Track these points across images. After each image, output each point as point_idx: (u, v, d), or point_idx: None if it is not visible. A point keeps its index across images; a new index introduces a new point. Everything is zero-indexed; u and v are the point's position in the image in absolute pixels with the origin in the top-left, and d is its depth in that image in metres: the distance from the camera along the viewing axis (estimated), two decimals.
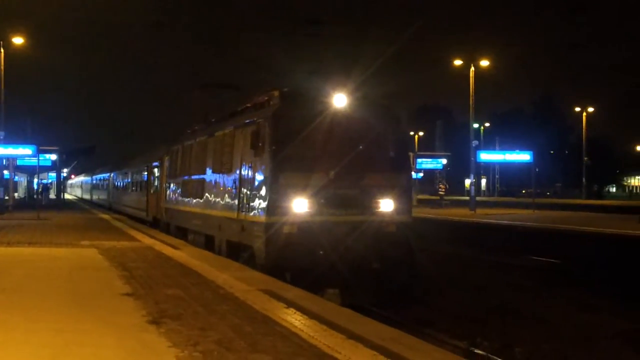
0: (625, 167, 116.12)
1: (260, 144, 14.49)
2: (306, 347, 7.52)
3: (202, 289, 11.51)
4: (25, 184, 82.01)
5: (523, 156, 54.60)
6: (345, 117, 14.78)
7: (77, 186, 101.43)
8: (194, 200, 20.78)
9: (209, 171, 19.20)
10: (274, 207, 13.92)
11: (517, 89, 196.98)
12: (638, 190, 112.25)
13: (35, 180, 66.89)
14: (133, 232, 25.05)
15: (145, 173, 33.25)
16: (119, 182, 46.43)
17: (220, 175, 17.78)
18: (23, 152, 40.85)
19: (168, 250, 18.04)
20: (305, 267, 13.35)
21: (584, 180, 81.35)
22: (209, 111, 23.61)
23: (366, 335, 8.03)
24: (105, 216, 37.86)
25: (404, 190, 15.11)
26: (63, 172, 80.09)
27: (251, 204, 14.84)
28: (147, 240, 21.30)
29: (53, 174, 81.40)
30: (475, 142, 52.39)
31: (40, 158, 43.60)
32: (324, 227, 13.92)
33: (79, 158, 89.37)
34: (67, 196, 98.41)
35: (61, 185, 74.44)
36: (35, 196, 56.74)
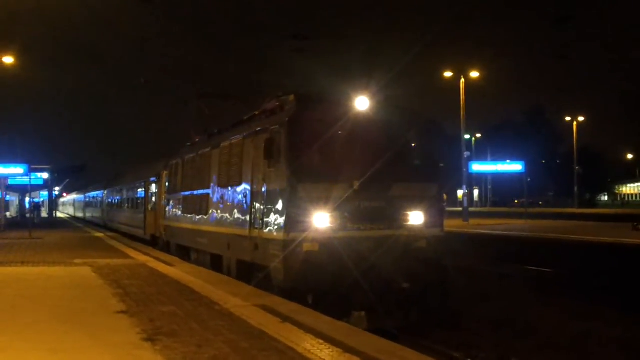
0: (617, 176, 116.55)
1: (275, 153, 13.19)
2: None
3: (197, 305, 11.48)
4: (17, 203, 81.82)
5: (515, 166, 54.80)
6: (369, 122, 13.55)
7: (69, 204, 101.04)
8: (198, 217, 19.57)
9: (214, 185, 18.00)
10: (293, 222, 12.67)
11: (508, 99, 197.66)
12: (630, 199, 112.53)
13: (27, 199, 66.76)
14: (127, 250, 24.94)
15: (142, 189, 32.15)
16: (114, 199, 45.26)
17: (228, 189, 16.54)
18: (14, 171, 40.64)
19: (162, 267, 17.98)
20: (328, 288, 12.26)
21: (575, 189, 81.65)
22: (208, 122, 22.69)
23: (362, 349, 8.03)
24: (100, 234, 37.52)
25: (435, 202, 13.93)
26: (55, 191, 79.95)
27: (266, 219, 13.60)
28: (141, 258, 21.22)
29: (45, 193, 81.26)
30: (467, 153, 52.55)
31: (31, 177, 43.45)
32: (347, 244, 12.68)
33: (70, 176, 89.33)
34: (59, 214, 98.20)
35: (53, 204, 74.24)
36: (27, 215, 56.52)
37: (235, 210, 15.71)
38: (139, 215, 32.73)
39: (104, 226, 48.32)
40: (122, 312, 10.82)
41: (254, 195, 14.35)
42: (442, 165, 14.62)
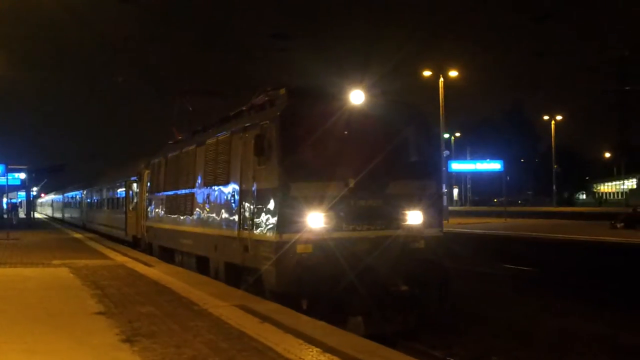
0: (595, 174, 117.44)
1: (265, 150, 12.56)
2: None
3: (176, 305, 11.41)
4: None
5: (494, 165, 55.12)
6: (365, 116, 12.92)
7: (47, 205, 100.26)
8: (182, 218, 18.76)
9: (199, 184, 17.19)
10: (285, 222, 12.00)
11: (487, 98, 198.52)
12: (607, 197, 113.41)
13: (5, 200, 66.18)
14: (105, 251, 24.80)
15: (123, 189, 31.10)
16: (94, 199, 44.19)
17: (215, 188, 15.73)
18: None
19: (141, 268, 17.89)
20: (323, 292, 11.60)
21: (554, 187, 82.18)
22: (191, 120, 22.18)
23: (342, 348, 8.00)
24: (78, 235, 37.18)
25: (433, 200, 13.24)
26: (32, 191, 79.35)
27: (256, 220, 12.88)
28: (119, 258, 21.10)
29: (22, 193, 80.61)
30: (446, 152, 52.76)
31: (8, 177, 43.02)
32: (343, 245, 12.08)
33: (48, 176, 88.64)
34: (37, 215, 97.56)
35: (31, 204, 73.68)
36: (4, 216, 56.05)
37: (223, 210, 15.02)
38: (119, 216, 31.88)
39: (83, 227, 47.45)
40: (100, 313, 10.74)
41: (243, 194, 13.67)
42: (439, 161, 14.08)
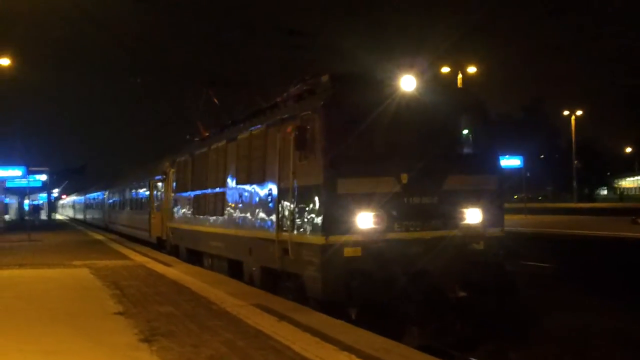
0: (616, 170, 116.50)
1: (308, 143, 11.45)
2: None
3: (195, 305, 11.48)
4: (16, 205, 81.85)
5: (513, 161, 54.65)
6: (417, 104, 11.70)
7: (69, 206, 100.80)
8: (212, 218, 17.61)
9: (231, 182, 16.06)
10: (332, 223, 10.91)
11: (506, 94, 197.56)
12: (628, 193, 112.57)
13: (26, 202, 66.74)
14: (126, 251, 24.96)
15: (147, 189, 30.39)
16: (116, 200, 43.48)
17: (248, 186, 14.62)
18: (12, 173, 40.58)
19: (160, 268, 17.99)
20: (374, 300, 10.61)
21: (574, 183, 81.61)
22: (218, 115, 21.21)
23: (359, 346, 8.02)
24: (100, 237, 37.40)
25: (494, 196, 12.04)
26: (54, 193, 79.99)
27: (297, 220, 11.80)
28: (139, 259, 21.23)
29: (44, 195, 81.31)
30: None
31: (30, 179, 43.39)
32: (395, 248, 11.02)
33: (69, 178, 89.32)
34: (58, 217, 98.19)
35: (52, 206, 74.25)
36: (26, 217, 56.51)
37: (258, 210, 13.90)
38: (143, 217, 31.10)
39: (105, 228, 47.18)
40: (120, 313, 10.83)
41: (282, 192, 12.57)
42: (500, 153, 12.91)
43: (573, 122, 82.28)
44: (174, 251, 22.88)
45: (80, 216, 76.14)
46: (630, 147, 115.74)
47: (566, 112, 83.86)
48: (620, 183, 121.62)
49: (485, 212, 11.81)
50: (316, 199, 11.23)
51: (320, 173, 11.19)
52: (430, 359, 7.84)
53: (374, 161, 11.37)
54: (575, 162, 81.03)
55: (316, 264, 11.07)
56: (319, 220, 11.09)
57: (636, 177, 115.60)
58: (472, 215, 11.73)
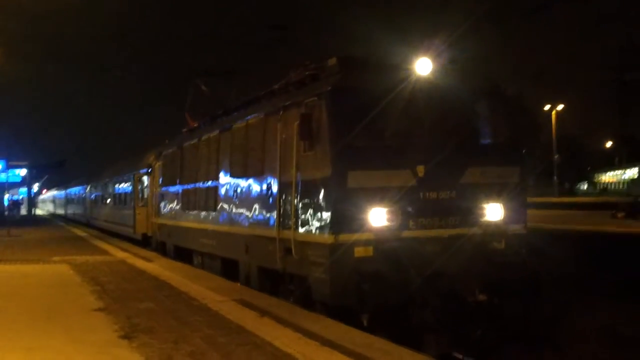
0: (596, 164, 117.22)
1: (314, 132, 10.52)
2: (280, 356, 7.48)
3: (175, 301, 11.42)
4: None
5: None
6: (435, 90, 10.79)
7: (49, 201, 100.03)
8: (203, 214, 16.70)
9: (224, 176, 15.06)
10: (342, 220, 10.04)
11: None
12: (608, 187, 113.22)
13: (6, 197, 66.21)
14: (106, 247, 24.82)
15: (131, 183, 29.11)
16: (99, 195, 41.97)
17: (244, 179, 13.74)
18: None
19: (141, 264, 17.90)
20: (387, 304, 9.75)
21: (555, 178, 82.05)
22: (207, 105, 20.18)
23: (340, 342, 8.01)
24: (81, 233, 37.07)
25: (517, 191, 11.12)
26: (33, 188, 79.45)
27: (302, 217, 10.94)
28: (120, 254, 21.11)
29: (23, 189, 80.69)
30: None
31: (9, 174, 42.97)
32: (410, 247, 10.13)
33: (49, 172, 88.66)
34: (39, 212, 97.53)
35: (32, 201, 73.75)
36: (5, 213, 56.06)
37: (256, 206, 13.01)
38: (127, 212, 29.89)
39: (87, 224, 46.29)
40: (100, 309, 10.75)
41: (283, 186, 11.69)
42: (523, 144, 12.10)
43: (554, 117, 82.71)
44: (161, 248, 22.22)
45: (61, 211, 75.44)
46: (610, 142, 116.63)
47: (547, 107, 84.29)
48: (600, 177, 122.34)
49: (506, 207, 10.91)
50: (324, 193, 10.35)
51: (328, 165, 10.26)
52: (412, 354, 7.83)
53: (387, 152, 10.47)
54: (556, 156, 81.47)
55: (324, 264, 10.16)
56: (327, 217, 10.21)
57: (615, 172, 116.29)
58: (493, 211, 10.84)
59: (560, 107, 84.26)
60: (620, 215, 33.71)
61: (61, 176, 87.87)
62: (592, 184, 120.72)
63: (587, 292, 15.95)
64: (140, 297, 11.87)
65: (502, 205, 10.87)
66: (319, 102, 10.61)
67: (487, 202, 10.80)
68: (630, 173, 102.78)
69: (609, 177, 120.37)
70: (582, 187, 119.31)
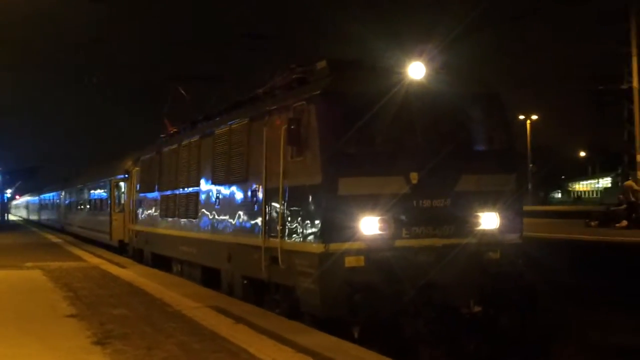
0: (570, 173, 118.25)
1: (303, 138, 10.18)
2: None
3: (149, 307, 11.33)
4: None
5: None
6: (428, 94, 10.46)
7: (22, 207, 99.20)
8: (182, 221, 16.31)
9: (206, 182, 14.66)
10: (332, 229, 9.68)
11: None
12: (582, 196, 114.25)
13: None
14: (79, 252, 24.60)
15: (108, 189, 28.65)
16: (74, 200, 41.45)
17: (227, 186, 13.38)
18: None
19: (115, 269, 17.75)
20: (379, 316, 9.39)
21: (529, 186, 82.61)
22: (186, 110, 20.03)
23: (315, 348, 7.97)
24: (54, 238, 36.57)
25: (512, 198, 10.70)
26: (6, 193, 78.72)
27: (290, 225, 10.57)
28: (93, 260, 20.93)
29: None
30: None
31: None
32: (402, 257, 9.81)
33: (22, 178, 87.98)
34: (12, 217, 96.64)
35: (5, 206, 73.05)
36: None
37: (240, 213, 12.65)
38: (104, 219, 29.27)
39: (61, 230, 45.47)
40: (72, 315, 10.63)
41: (269, 193, 11.30)
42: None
43: (529, 126, 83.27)
44: (138, 256, 21.69)
45: (34, 217, 74.78)
46: (584, 151, 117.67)
47: (522, 117, 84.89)
48: (574, 186, 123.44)
49: (502, 216, 10.51)
50: (313, 201, 10.01)
51: (318, 172, 9.90)
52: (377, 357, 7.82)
53: (379, 158, 10.15)
54: (531, 165, 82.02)
55: (313, 275, 9.77)
56: (316, 225, 9.86)
57: (589, 181, 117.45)
58: (488, 220, 10.44)
59: (534, 117, 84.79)
60: (593, 223, 33.86)
61: (35, 182, 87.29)
62: (567, 192, 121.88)
63: (581, 302, 15.68)
64: (114, 303, 11.75)
65: (497, 213, 10.50)
66: (308, 106, 10.28)
67: (483, 211, 10.43)
68: (604, 182, 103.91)
69: (583, 186, 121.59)
70: (556, 196, 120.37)
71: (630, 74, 28.28)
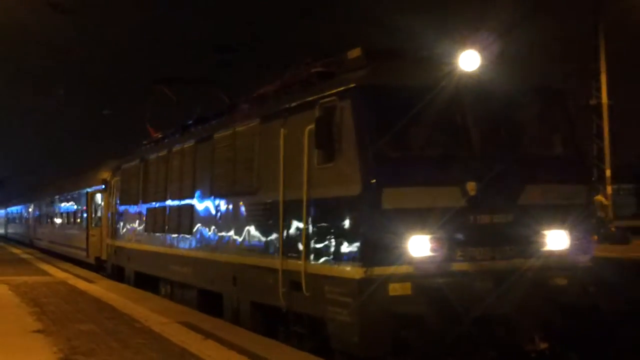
0: None
1: (334, 140, 8.51)
2: None
3: (117, 322, 11.18)
4: None
5: None
6: (483, 89, 8.82)
7: None
8: (173, 237, 14.48)
9: (203, 193, 12.93)
10: (376, 249, 8.01)
11: None
12: None
13: None
14: (46, 267, 24.28)
15: (84, 201, 26.76)
16: (44, 213, 39.22)
17: (232, 197, 11.64)
18: None
19: (82, 284, 17.54)
20: (430, 355, 7.88)
21: None
22: (170, 113, 18.85)
23: None
24: (21, 253, 35.69)
25: (583, 213, 9.06)
26: None
27: (315, 244, 8.92)
28: (60, 275, 20.68)
29: None
30: None
31: None
32: (457, 283, 8.16)
33: None
34: None
35: None
36: None
37: (249, 229, 10.94)
38: (79, 233, 27.21)
39: (30, 245, 43.68)
40: (39, 331, 10.46)
41: (289, 205, 9.58)
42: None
43: None
44: (118, 274, 19.66)
45: (0, 231, 73.59)
46: None
47: None
48: None
49: (570, 234, 8.87)
50: (349, 215, 8.37)
51: (356, 180, 8.22)
52: None
53: (430, 165, 8.49)
54: None
55: (350, 305, 8.10)
56: (353, 245, 8.19)
57: None
58: (557, 239, 8.79)
59: None
60: None
61: (2, 194, 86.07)
62: None
63: None
64: (81, 319, 11.60)
65: (567, 231, 8.86)
66: (341, 102, 8.61)
67: (550, 228, 8.77)
68: None
69: None
70: None
71: (598, 90, 28.55)
